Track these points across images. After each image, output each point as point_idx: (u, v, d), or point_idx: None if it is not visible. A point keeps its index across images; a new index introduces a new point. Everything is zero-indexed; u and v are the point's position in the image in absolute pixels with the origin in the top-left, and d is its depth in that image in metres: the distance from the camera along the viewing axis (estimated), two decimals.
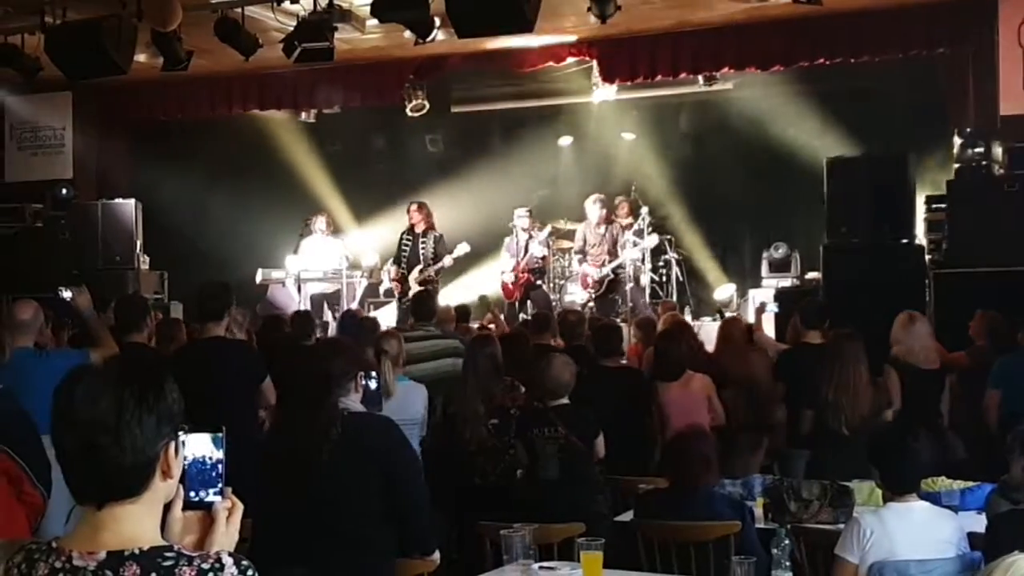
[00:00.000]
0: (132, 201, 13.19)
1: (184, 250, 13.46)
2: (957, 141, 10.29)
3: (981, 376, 7.50)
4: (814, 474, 5.93)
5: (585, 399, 6.56)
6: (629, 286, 12.73)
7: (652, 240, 12.91)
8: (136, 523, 1.99)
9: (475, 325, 10.56)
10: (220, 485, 2.09)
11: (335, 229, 13.83)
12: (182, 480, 2.07)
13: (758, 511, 5.52)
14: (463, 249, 12.87)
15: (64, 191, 13.49)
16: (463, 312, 10.67)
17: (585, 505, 5.93)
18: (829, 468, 5.82)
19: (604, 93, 12.90)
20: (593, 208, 13.07)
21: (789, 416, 7.53)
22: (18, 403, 4.65)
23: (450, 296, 13.45)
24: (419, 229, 12.90)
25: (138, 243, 13.11)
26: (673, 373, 7.46)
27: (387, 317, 11.81)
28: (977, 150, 10.04)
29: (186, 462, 2.08)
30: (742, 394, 7.89)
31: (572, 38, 11.87)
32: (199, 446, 2.09)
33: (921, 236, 10.49)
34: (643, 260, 12.92)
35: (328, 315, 12.66)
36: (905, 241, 10.03)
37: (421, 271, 12.74)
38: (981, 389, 7.43)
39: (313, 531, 4.17)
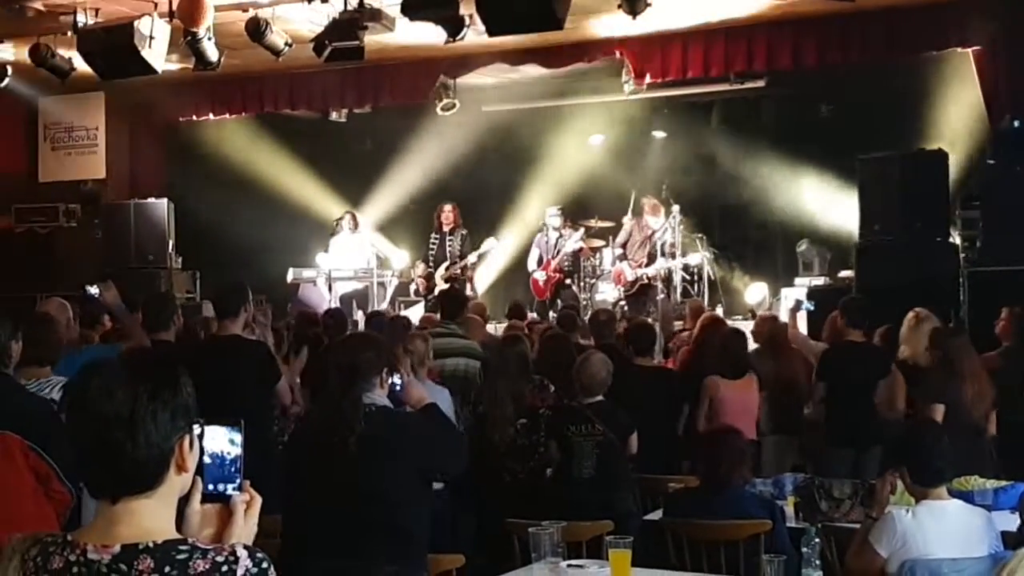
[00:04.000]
0: (164, 201, 13.28)
1: (216, 249, 13.50)
2: (991, 138, 10.20)
3: (1014, 376, 7.40)
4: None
5: (618, 398, 6.53)
6: (660, 296, 12.68)
7: (695, 257, 12.85)
8: (151, 516, 1.99)
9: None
10: (238, 479, 2.09)
11: (361, 227, 13.86)
12: (200, 473, 2.07)
13: (789, 510, 5.49)
14: (490, 245, 12.94)
15: (86, 185, 13.58)
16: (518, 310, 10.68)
17: (617, 503, 5.92)
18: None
19: (635, 91, 12.84)
20: (649, 210, 13.05)
21: (828, 415, 7.50)
22: (47, 401, 4.68)
23: (476, 294, 13.50)
24: (447, 228, 12.99)
25: (170, 243, 13.20)
26: (738, 371, 7.45)
27: (416, 316, 11.80)
28: (1011, 147, 9.94)
29: (204, 455, 2.07)
30: (779, 393, 7.83)
31: (603, 36, 11.82)
32: (217, 439, 2.09)
33: (955, 234, 10.40)
34: (677, 267, 12.86)
35: (358, 314, 12.68)
36: (939, 239, 9.95)
37: (447, 268, 12.81)
38: (1015, 390, 7.34)
39: (343, 522, 4.17)
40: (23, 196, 13.69)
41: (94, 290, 6.70)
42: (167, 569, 1.91)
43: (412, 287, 13.63)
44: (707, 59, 11.84)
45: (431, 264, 13.13)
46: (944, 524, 4.28)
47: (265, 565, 1.98)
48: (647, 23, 10.21)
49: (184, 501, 2.06)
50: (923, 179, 10.00)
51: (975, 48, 10.90)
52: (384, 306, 12.72)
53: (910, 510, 4.35)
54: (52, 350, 5.08)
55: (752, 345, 8.49)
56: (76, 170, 14.01)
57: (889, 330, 7.72)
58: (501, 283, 14.57)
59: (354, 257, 13.31)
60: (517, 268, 14.16)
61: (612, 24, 10.98)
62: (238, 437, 2.10)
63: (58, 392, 4.82)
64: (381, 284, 13.22)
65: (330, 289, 13.03)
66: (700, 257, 12.87)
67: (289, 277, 13.13)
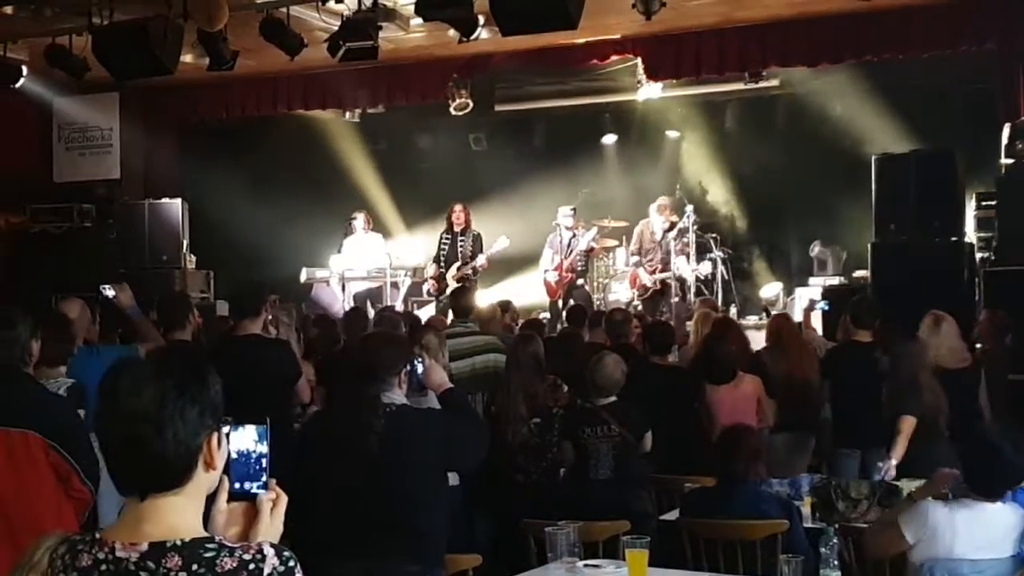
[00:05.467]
0: (179, 201, 13.30)
1: (230, 249, 13.52)
2: (1007, 137, 10.16)
3: (996, 377, 7.39)
4: None
5: (634, 396, 6.52)
6: (676, 298, 12.67)
7: (706, 266, 12.82)
8: (179, 514, 1.99)
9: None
10: (264, 477, 2.09)
11: (374, 227, 13.87)
12: (227, 472, 2.08)
13: (805, 510, 5.48)
14: (503, 243, 12.93)
15: (102, 190, 13.63)
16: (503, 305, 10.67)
17: (632, 503, 5.92)
18: None
19: (649, 91, 12.83)
20: (656, 214, 13.01)
21: (834, 415, 7.47)
22: (68, 400, 4.71)
23: (490, 293, 13.50)
24: (458, 228, 13.00)
25: (184, 242, 13.23)
26: (724, 376, 7.36)
27: (427, 317, 11.81)
28: None
29: (231, 454, 2.08)
30: (792, 393, 7.80)
31: (617, 35, 11.81)
32: (244, 438, 2.10)
33: (971, 234, 10.37)
34: (689, 275, 12.84)
35: (371, 313, 12.69)
36: (954, 239, 9.92)
37: (459, 269, 12.82)
38: (1000, 391, 7.33)
39: (363, 523, 4.16)
40: (38, 196, 13.70)
41: (110, 292, 6.71)
42: (195, 567, 1.91)
43: (424, 287, 13.63)
44: (721, 59, 11.83)
45: (442, 264, 13.12)
46: (978, 524, 4.20)
47: (292, 563, 1.98)
48: (661, 23, 10.19)
49: (211, 500, 2.07)
50: (938, 178, 9.96)
51: (989, 47, 10.87)
52: (397, 306, 12.72)
53: (947, 504, 4.29)
54: (64, 350, 5.11)
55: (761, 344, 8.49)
56: (91, 170, 14.03)
57: (879, 331, 7.67)
58: (514, 283, 14.55)
59: (367, 257, 13.31)
60: (530, 268, 14.15)
61: (626, 24, 10.97)
62: (264, 435, 2.11)
63: (64, 392, 4.87)
64: (394, 284, 13.22)
65: (343, 289, 13.04)
66: (712, 265, 12.84)
67: (302, 277, 13.15)
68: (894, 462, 6.31)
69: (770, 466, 6.66)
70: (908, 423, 6.55)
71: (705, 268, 12.80)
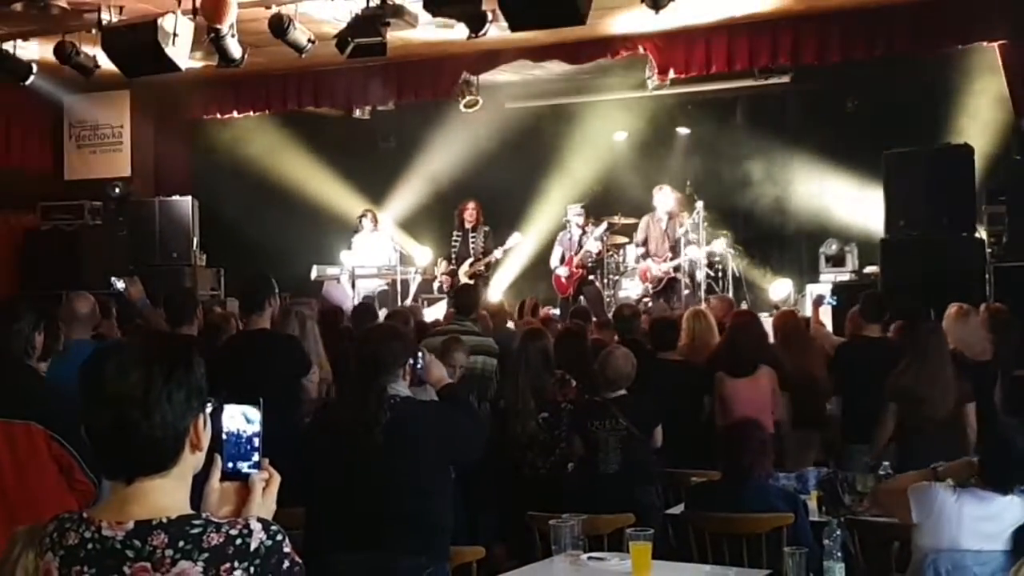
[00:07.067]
0: (189, 198, 13.32)
1: (240, 246, 13.52)
2: (1017, 133, 10.13)
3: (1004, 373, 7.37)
4: None
5: (642, 391, 6.51)
6: (686, 292, 12.63)
7: (719, 244, 12.78)
8: (165, 495, 2.00)
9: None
10: (256, 457, 2.09)
11: (384, 224, 13.87)
12: (220, 452, 2.07)
13: (812, 504, 5.47)
14: (516, 240, 12.97)
15: (116, 189, 13.65)
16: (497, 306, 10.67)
17: (639, 497, 5.92)
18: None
19: (658, 87, 12.80)
20: (661, 199, 12.95)
21: (844, 410, 7.44)
22: (69, 393, 4.70)
23: (499, 291, 13.51)
24: (469, 225, 13.02)
25: (195, 240, 13.25)
26: (744, 369, 7.35)
27: (439, 314, 11.81)
28: None
29: (223, 435, 2.07)
30: (799, 388, 7.78)
31: (626, 31, 11.79)
32: (236, 418, 2.09)
33: (981, 230, 10.33)
34: (701, 260, 12.80)
35: (382, 312, 12.70)
36: (965, 234, 9.88)
37: (471, 265, 12.83)
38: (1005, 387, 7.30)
39: (368, 514, 4.16)
40: (49, 194, 13.74)
41: (120, 285, 6.75)
42: (181, 543, 1.91)
43: (435, 284, 13.65)
44: (731, 54, 11.77)
45: (454, 261, 13.16)
46: (986, 515, 4.20)
47: (280, 537, 1.98)
48: (670, 18, 10.16)
49: (203, 480, 2.07)
50: (949, 174, 9.94)
51: (1001, 42, 10.82)
52: (408, 303, 12.72)
53: (955, 492, 4.27)
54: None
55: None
56: (101, 168, 14.06)
57: (903, 326, 7.64)
58: (524, 281, 14.55)
59: (376, 255, 13.34)
60: (540, 265, 14.14)
61: (635, 19, 10.94)
62: (255, 415, 2.10)
63: None
64: (404, 281, 13.23)
65: (353, 286, 13.05)
66: (723, 244, 12.80)
67: (313, 274, 13.16)
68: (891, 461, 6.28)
69: (782, 460, 6.67)
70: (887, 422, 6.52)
71: (718, 246, 12.74)
